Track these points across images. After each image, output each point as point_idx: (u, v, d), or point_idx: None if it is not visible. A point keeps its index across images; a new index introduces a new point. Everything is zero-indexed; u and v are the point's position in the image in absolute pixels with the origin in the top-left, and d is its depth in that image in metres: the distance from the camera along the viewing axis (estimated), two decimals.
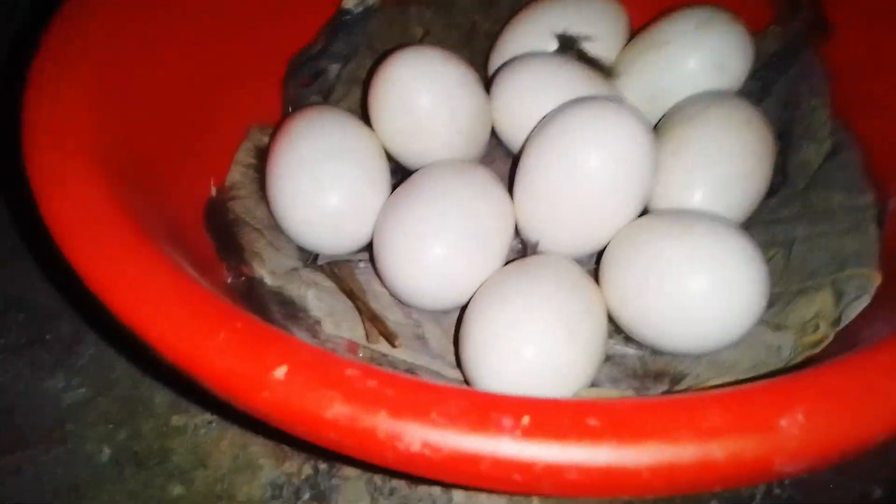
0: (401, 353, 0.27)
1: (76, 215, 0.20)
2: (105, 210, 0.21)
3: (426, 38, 0.35)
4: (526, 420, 0.16)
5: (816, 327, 0.25)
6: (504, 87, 0.32)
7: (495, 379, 0.25)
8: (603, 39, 0.35)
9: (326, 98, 0.35)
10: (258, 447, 0.28)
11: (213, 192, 0.30)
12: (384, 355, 0.27)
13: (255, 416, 0.18)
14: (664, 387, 0.25)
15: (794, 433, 0.16)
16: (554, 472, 0.16)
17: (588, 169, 0.27)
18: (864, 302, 0.25)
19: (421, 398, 0.17)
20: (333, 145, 0.29)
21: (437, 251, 0.27)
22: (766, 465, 0.16)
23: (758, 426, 0.16)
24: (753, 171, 0.29)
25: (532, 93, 0.31)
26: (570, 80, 0.31)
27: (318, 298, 0.28)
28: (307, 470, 0.28)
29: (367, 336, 0.27)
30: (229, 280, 0.27)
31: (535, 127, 0.30)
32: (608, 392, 0.25)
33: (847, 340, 0.25)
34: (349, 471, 0.28)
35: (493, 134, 0.33)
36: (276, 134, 0.30)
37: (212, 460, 0.28)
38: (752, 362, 0.26)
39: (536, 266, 0.27)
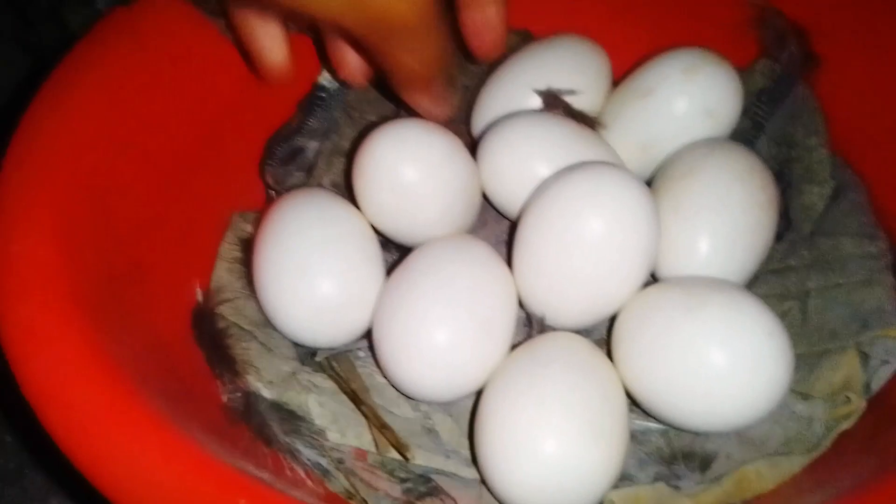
0: (412, 459, 0.25)
1: (53, 379, 0.19)
2: (83, 365, 0.19)
3: (404, 105, 0.34)
4: None
5: (847, 399, 0.24)
6: (492, 150, 0.30)
7: (515, 480, 0.23)
8: (587, 88, 0.33)
9: (308, 174, 0.33)
10: None
11: (199, 296, 0.28)
12: (396, 460, 0.26)
13: None
14: (696, 474, 0.24)
15: None
16: None
17: (591, 238, 0.25)
18: (893, 367, 0.24)
19: None
20: (320, 233, 0.27)
21: (441, 339, 0.25)
22: None
23: None
24: (759, 222, 0.28)
25: (522, 154, 0.30)
26: (560, 139, 0.30)
27: (319, 404, 0.26)
28: None
29: (377, 445, 0.25)
30: (225, 398, 0.25)
31: (531, 196, 0.28)
32: (641, 491, 0.24)
33: (878, 409, 0.24)
34: None
35: (484, 196, 0.32)
36: (260, 224, 0.29)
37: None
38: (784, 438, 0.25)
39: (546, 351, 0.26)
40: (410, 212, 0.29)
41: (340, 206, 0.29)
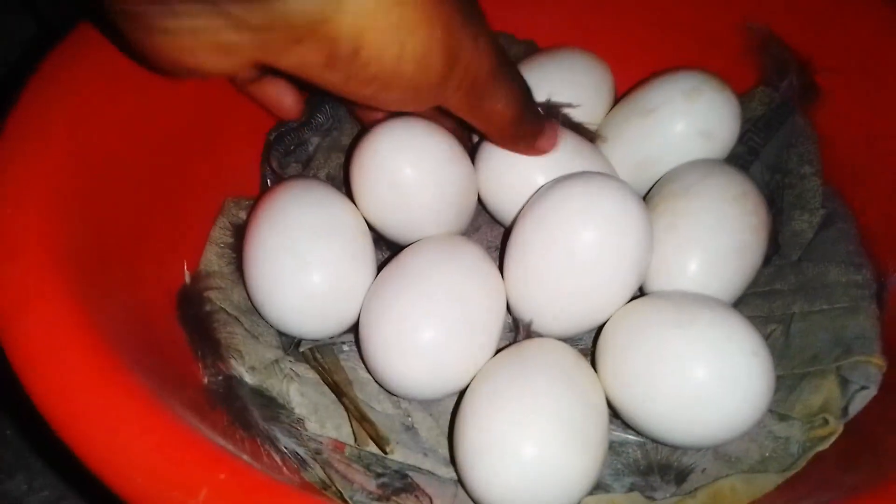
0: (391, 454, 0.25)
1: (37, 344, 0.18)
2: (69, 336, 0.19)
3: None
4: None
5: (825, 421, 0.24)
6: (490, 156, 0.30)
7: (492, 481, 0.23)
8: (589, 101, 0.34)
9: (306, 166, 0.33)
10: None
11: (187, 277, 0.28)
12: (373, 455, 0.26)
13: None
14: (671, 486, 0.24)
15: None
16: None
17: (583, 247, 0.26)
18: (872, 393, 0.24)
19: None
20: (314, 223, 0.27)
21: (427, 337, 0.25)
22: None
23: None
24: (749, 245, 0.29)
25: (519, 162, 0.30)
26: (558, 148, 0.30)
27: (300, 394, 0.26)
28: None
29: (356, 438, 0.25)
30: (206, 380, 0.25)
31: (526, 204, 0.28)
32: (617, 499, 0.24)
33: (854, 433, 0.25)
34: None
35: (479, 201, 0.32)
36: (254, 211, 0.29)
37: None
38: (760, 456, 0.25)
39: (531, 356, 0.26)
40: (405, 209, 0.29)
41: (335, 199, 0.29)
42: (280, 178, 0.32)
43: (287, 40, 0.19)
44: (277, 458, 0.24)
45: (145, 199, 0.27)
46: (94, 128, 0.25)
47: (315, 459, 0.25)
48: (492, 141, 0.29)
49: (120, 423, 0.18)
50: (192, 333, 0.26)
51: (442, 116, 0.28)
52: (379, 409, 0.27)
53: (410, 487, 0.25)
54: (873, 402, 0.25)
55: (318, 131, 0.33)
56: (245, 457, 0.21)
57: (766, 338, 0.28)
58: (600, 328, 0.28)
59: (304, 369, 0.27)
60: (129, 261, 0.25)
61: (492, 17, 0.24)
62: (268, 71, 0.22)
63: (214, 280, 0.28)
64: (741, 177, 0.30)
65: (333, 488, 0.25)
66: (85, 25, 0.27)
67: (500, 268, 0.29)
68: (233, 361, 0.26)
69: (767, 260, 0.30)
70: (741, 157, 0.33)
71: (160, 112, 0.28)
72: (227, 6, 0.18)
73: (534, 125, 0.28)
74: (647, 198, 0.31)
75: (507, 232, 0.29)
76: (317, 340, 0.29)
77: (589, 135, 0.33)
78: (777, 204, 0.32)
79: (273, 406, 0.25)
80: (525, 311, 0.28)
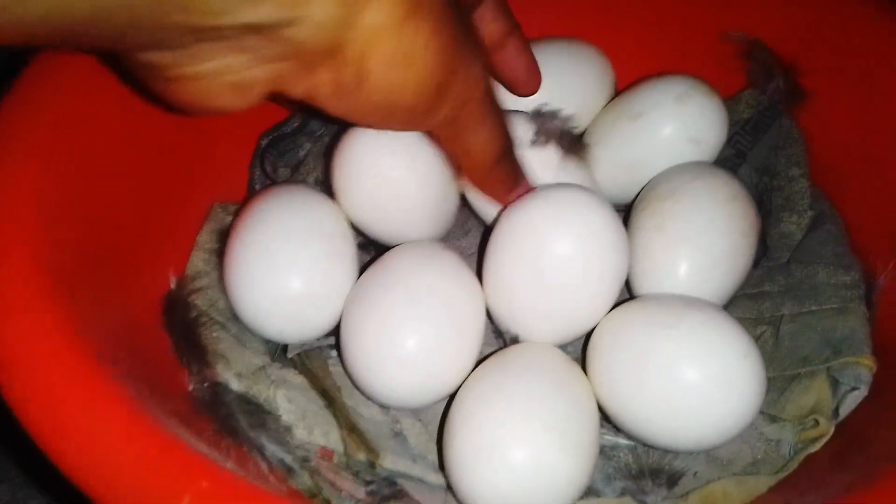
0: (379, 462, 0.25)
1: (18, 349, 0.18)
2: (51, 344, 0.19)
3: None
4: None
5: (816, 422, 0.24)
6: None
7: (482, 487, 0.23)
8: (588, 94, 0.34)
9: (295, 171, 0.33)
10: None
11: (173, 283, 0.27)
12: (362, 462, 0.25)
13: None
14: (663, 490, 0.24)
15: None
16: None
17: (558, 260, 0.25)
18: (862, 394, 0.24)
19: None
20: (292, 226, 0.27)
21: (411, 344, 0.25)
22: None
23: None
24: (739, 247, 0.28)
25: None
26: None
27: (288, 400, 0.26)
28: None
29: (345, 447, 0.25)
30: (192, 387, 0.25)
31: (500, 216, 0.28)
32: (608, 503, 0.24)
33: (845, 434, 0.25)
34: None
35: (467, 204, 0.32)
36: (236, 217, 0.28)
37: None
38: (752, 458, 0.25)
39: (520, 360, 0.26)
40: (387, 206, 0.29)
41: (317, 201, 0.29)
42: (272, 182, 0.32)
43: (301, 69, 0.20)
44: (264, 466, 0.23)
45: (131, 205, 0.27)
46: (80, 132, 0.25)
47: (303, 467, 0.24)
48: (467, 177, 0.28)
49: (100, 431, 0.18)
50: (177, 339, 0.25)
51: None
52: (367, 415, 0.27)
53: (400, 494, 0.25)
54: (864, 402, 0.25)
55: (310, 137, 0.33)
56: (230, 465, 0.21)
57: (756, 339, 0.27)
58: (589, 334, 0.28)
59: (291, 375, 0.27)
60: (114, 267, 0.25)
61: None
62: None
63: (200, 285, 0.28)
64: (731, 179, 0.30)
65: (321, 496, 0.24)
66: None
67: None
68: (219, 368, 0.25)
69: (756, 262, 0.30)
70: (729, 160, 0.33)
71: (147, 115, 0.28)
72: (246, 40, 0.19)
73: (509, 175, 0.27)
74: (635, 201, 0.31)
75: (484, 241, 0.29)
76: (303, 344, 0.28)
77: (580, 151, 0.32)
78: (765, 206, 0.32)
79: (260, 413, 0.25)
80: (508, 323, 0.28)
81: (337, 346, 0.27)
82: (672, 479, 0.25)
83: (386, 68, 0.20)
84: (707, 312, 0.25)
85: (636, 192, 0.32)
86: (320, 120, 0.33)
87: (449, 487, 0.25)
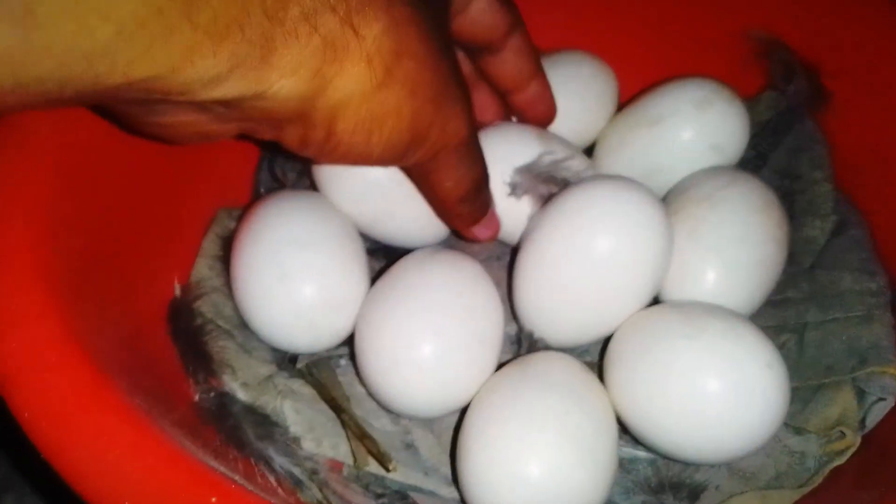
0: (391, 473, 0.24)
1: (22, 362, 0.18)
2: (54, 350, 0.18)
3: None
4: None
5: (841, 434, 0.23)
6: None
7: (497, 502, 0.22)
8: (592, 106, 0.33)
9: (301, 175, 0.32)
10: None
11: (178, 291, 0.27)
12: (372, 474, 0.25)
13: None
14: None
15: None
16: None
17: (599, 253, 0.25)
18: (889, 404, 0.24)
19: None
20: (301, 232, 0.26)
21: (427, 351, 0.24)
22: None
23: None
24: (771, 257, 0.27)
25: (503, 164, 0.29)
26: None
27: (295, 411, 0.25)
28: None
29: (355, 457, 0.24)
30: (198, 396, 0.24)
31: (543, 208, 0.27)
32: None
33: (872, 446, 0.24)
34: None
35: None
36: (240, 223, 0.28)
37: None
38: (776, 472, 0.24)
39: (537, 370, 0.25)
40: (385, 207, 0.28)
41: (325, 206, 0.28)
42: (281, 186, 0.31)
43: (266, 127, 0.21)
44: (272, 479, 0.23)
45: (135, 211, 0.26)
46: (83, 138, 0.25)
47: (311, 480, 0.24)
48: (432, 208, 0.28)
49: (108, 445, 0.17)
50: (183, 348, 0.25)
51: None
52: (378, 426, 0.26)
53: None
54: (891, 413, 0.24)
55: None
56: (238, 478, 0.20)
57: (780, 348, 0.27)
58: (607, 340, 0.27)
59: (299, 385, 0.26)
60: (118, 275, 0.24)
61: None
62: None
63: (206, 292, 0.27)
64: (764, 186, 0.29)
65: None
66: None
67: (509, 276, 0.28)
68: (225, 377, 0.25)
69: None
70: (750, 163, 0.33)
71: None
72: (210, 106, 0.19)
73: (475, 211, 0.27)
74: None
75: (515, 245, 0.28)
76: (312, 354, 0.28)
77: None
78: (789, 211, 0.31)
79: (267, 424, 0.24)
80: (534, 320, 0.27)
81: (351, 353, 0.27)
82: (693, 494, 0.24)
83: (354, 131, 0.21)
84: (729, 321, 0.24)
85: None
86: None
87: (462, 502, 0.24)
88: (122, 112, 0.21)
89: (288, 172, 0.33)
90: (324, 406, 0.26)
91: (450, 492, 0.25)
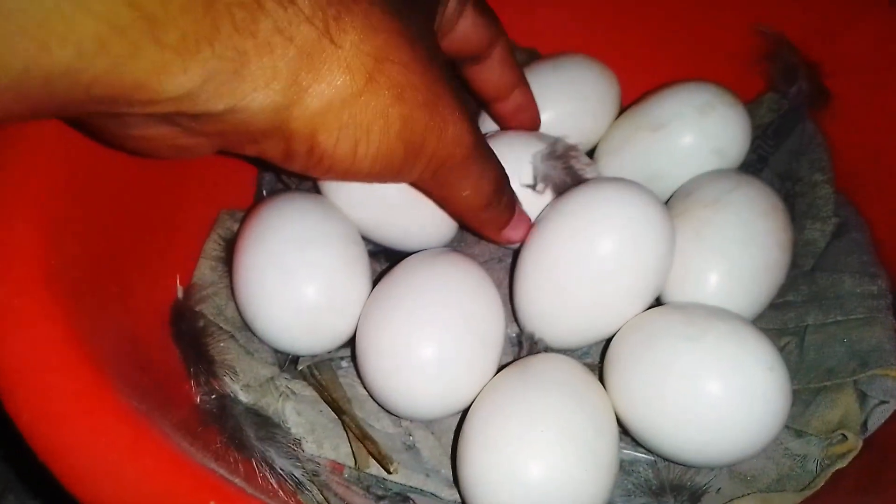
0: (392, 475, 0.24)
1: (22, 364, 0.18)
2: (55, 352, 0.18)
3: None
4: None
5: (843, 437, 0.23)
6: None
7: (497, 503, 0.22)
8: (593, 110, 0.33)
9: (304, 177, 0.32)
10: None
11: (180, 292, 0.27)
12: (373, 476, 0.25)
13: None
14: None
15: None
16: None
17: (600, 255, 0.25)
18: (892, 407, 0.24)
19: None
20: (303, 233, 0.26)
21: (428, 356, 0.24)
22: None
23: None
24: (776, 262, 0.27)
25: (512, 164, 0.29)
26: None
27: (297, 413, 0.25)
28: None
29: (356, 459, 0.24)
30: (199, 399, 0.24)
31: (546, 208, 0.27)
32: None
33: (875, 449, 0.24)
34: None
35: None
36: (243, 224, 0.28)
37: None
38: (777, 474, 0.24)
39: (537, 372, 0.25)
40: (390, 209, 0.28)
41: (328, 207, 0.28)
42: (285, 188, 0.31)
43: (244, 141, 0.20)
44: (273, 481, 0.23)
45: (137, 213, 0.26)
46: (84, 141, 0.25)
47: (312, 481, 0.24)
48: (456, 221, 0.27)
49: (106, 447, 0.17)
50: (184, 350, 0.25)
51: None
52: (379, 427, 0.26)
53: None
54: (893, 416, 0.24)
55: None
56: (239, 480, 0.20)
57: (780, 350, 0.27)
58: (608, 342, 0.27)
59: (300, 387, 0.26)
60: (120, 277, 0.24)
61: None
62: None
63: (208, 295, 0.27)
64: (770, 191, 0.29)
65: None
66: None
67: (510, 277, 0.28)
68: (227, 379, 0.25)
69: None
70: (750, 165, 0.33)
71: None
72: (179, 119, 0.18)
73: (502, 214, 0.26)
74: (667, 204, 0.30)
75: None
76: (313, 356, 0.28)
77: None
78: (790, 213, 0.31)
79: (268, 426, 0.24)
80: (535, 321, 0.27)
81: (352, 355, 0.27)
82: (694, 496, 0.24)
83: (338, 142, 0.20)
84: (732, 323, 0.24)
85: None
86: None
87: (463, 503, 0.24)
88: (95, 126, 0.20)
89: (291, 174, 0.33)
90: (325, 408, 0.26)
91: (451, 493, 0.25)
